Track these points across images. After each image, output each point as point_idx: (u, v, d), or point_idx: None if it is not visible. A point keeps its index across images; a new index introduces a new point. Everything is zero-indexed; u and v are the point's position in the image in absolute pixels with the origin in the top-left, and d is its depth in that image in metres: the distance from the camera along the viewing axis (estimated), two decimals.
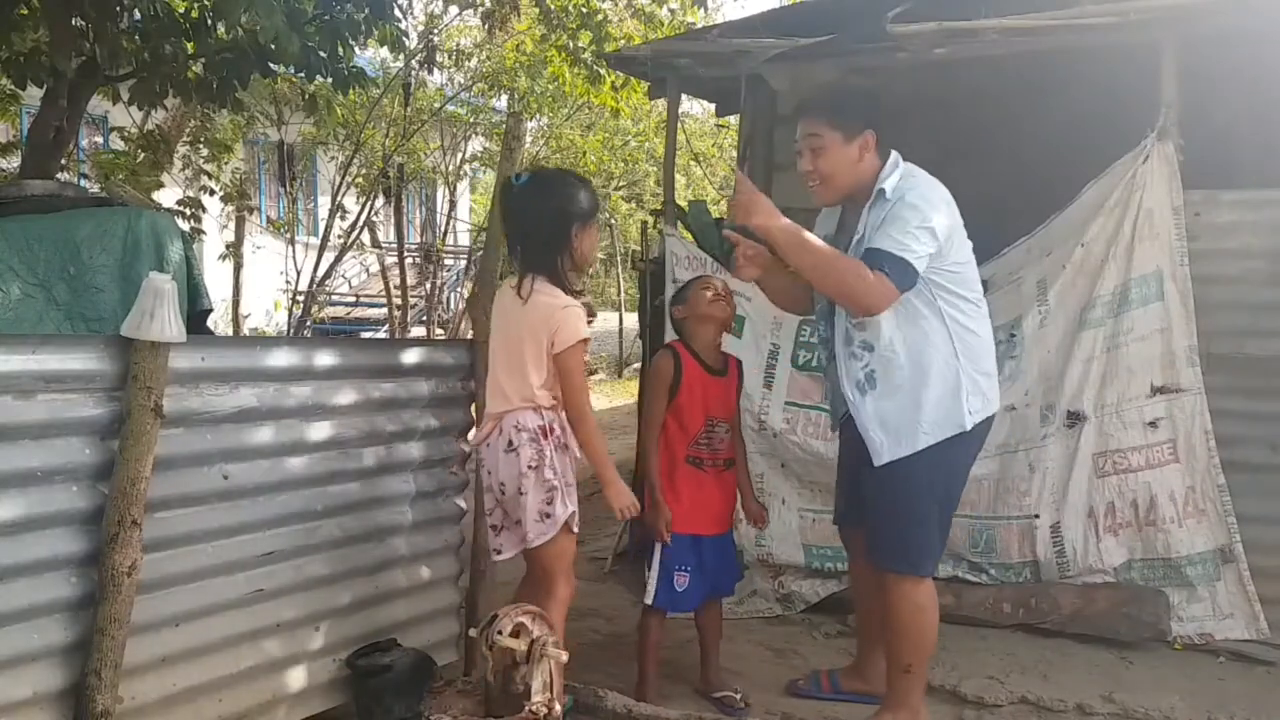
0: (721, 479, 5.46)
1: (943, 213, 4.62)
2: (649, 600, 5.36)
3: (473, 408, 5.31)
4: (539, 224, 4.60)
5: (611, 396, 17.07)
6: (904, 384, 4.66)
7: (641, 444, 5.46)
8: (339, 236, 15.45)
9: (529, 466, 4.50)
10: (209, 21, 7.95)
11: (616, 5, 13.81)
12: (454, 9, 15.01)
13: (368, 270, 21.36)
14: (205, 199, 13.03)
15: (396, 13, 8.77)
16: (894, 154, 4.77)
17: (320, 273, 15.14)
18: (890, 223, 4.56)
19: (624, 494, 4.67)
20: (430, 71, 16.56)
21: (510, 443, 4.53)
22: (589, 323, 4.62)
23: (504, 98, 18.39)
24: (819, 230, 5.03)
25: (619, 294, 23.17)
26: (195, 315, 5.42)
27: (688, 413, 5.36)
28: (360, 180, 16.37)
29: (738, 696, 5.47)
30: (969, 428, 4.66)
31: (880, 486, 4.76)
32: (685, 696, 5.47)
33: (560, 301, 4.50)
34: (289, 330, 15.64)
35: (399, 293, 16.50)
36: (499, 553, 4.73)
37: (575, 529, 4.64)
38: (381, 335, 17.48)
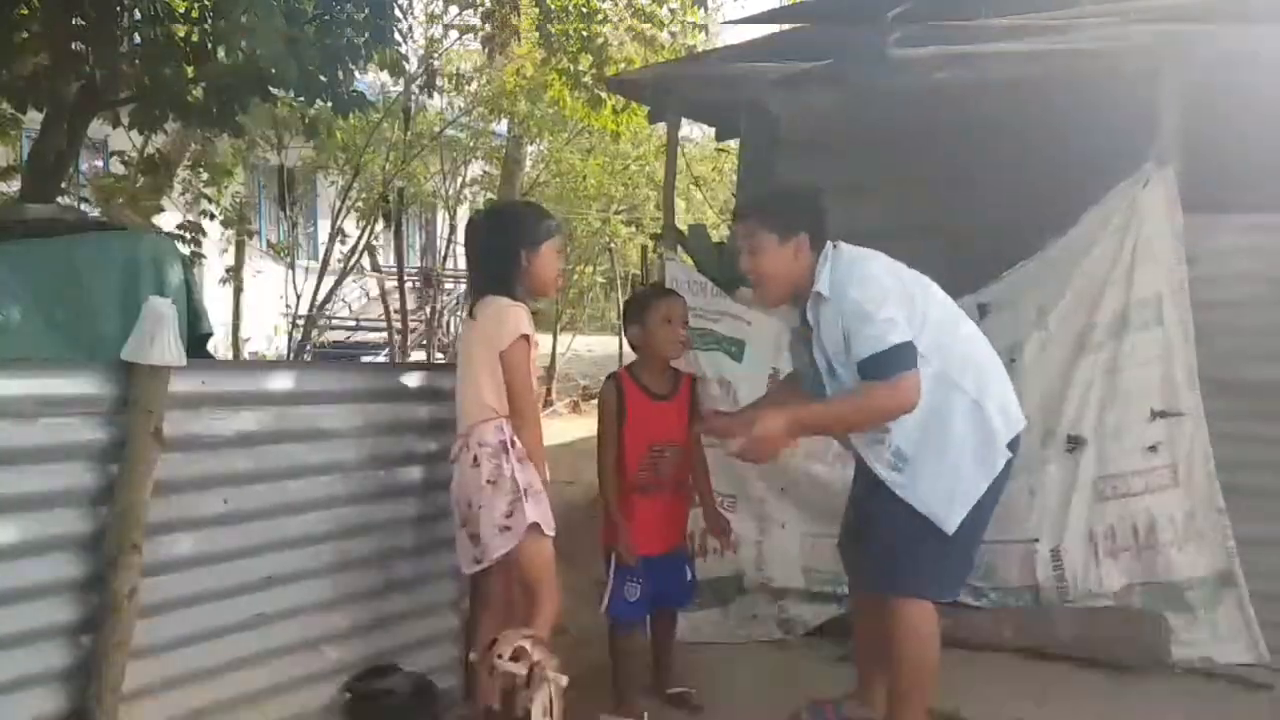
0: (668, 502, 5.62)
1: (886, 281, 4.66)
2: (603, 608, 5.57)
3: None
4: (489, 251, 4.79)
5: None
6: (935, 446, 4.67)
7: (600, 472, 5.55)
8: (339, 260, 15.44)
9: (487, 481, 4.53)
10: (209, 46, 7.96)
11: (617, 29, 13.83)
12: (454, 33, 15.05)
13: (368, 294, 21.35)
14: (205, 223, 13.00)
15: (397, 37, 8.79)
16: (827, 246, 4.81)
17: (320, 297, 15.11)
18: (855, 325, 4.59)
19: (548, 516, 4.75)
20: (430, 96, 16.56)
21: (475, 458, 4.57)
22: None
23: (504, 122, 18.42)
24: (790, 324, 5.23)
25: (619, 317, 23.09)
26: (195, 339, 5.42)
27: (631, 442, 5.50)
28: (360, 204, 16.38)
29: (693, 693, 5.74)
30: (1009, 454, 4.70)
31: (899, 516, 4.72)
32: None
33: (502, 304, 4.62)
34: (289, 354, 15.61)
35: (399, 317, 16.47)
36: (478, 561, 4.70)
37: (549, 532, 4.64)
38: (382, 359, 17.47)
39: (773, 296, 4.99)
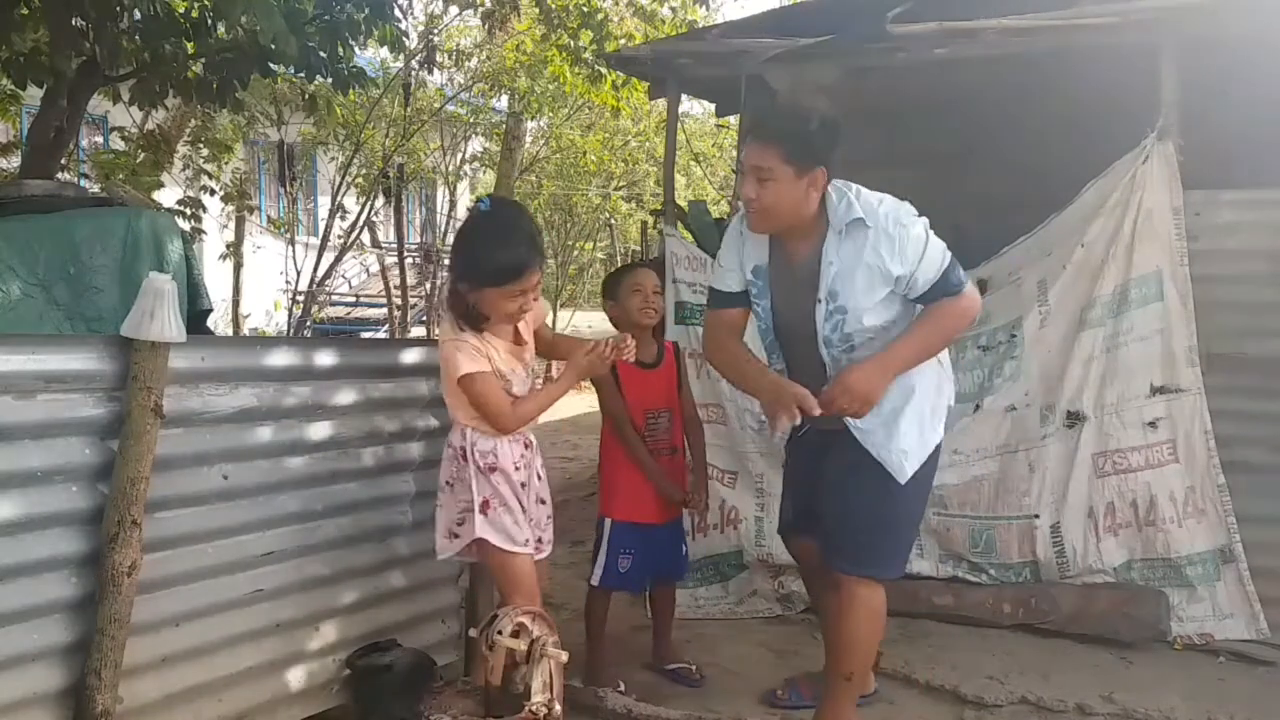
0: (665, 469, 5.64)
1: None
2: (594, 581, 5.63)
3: None
4: (455, 258, 4.61)
5: None
6: (899, 392, 4.61)
7: (625, 440, 5.55)
8: (339, 236, 15.44)
9: (446, 482, 4.54)
10: (209, 21, 7.95)
11: (617, 4, 13.80)
12: (454, 9, 15.01)
13: (368, 270, 21.34)
14: (205, 199, 13.03)
15: (396, 13, 8.77)
16: (834, 183, 4.59)
17: (320, 273, 15.12)
18: (914, 250, 4.46)
19: (586, 364, 4.71)
20: (430, 71, 16.56)
21: (442, 454, 4.61)
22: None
23: (504, 98, 18.39)
24: (749, 259, 4.84)
25: None
26: (195, 315, 5.42)
27: (630, 412, 5.56)
28: (360, 180, 16.37)
29: (693, 668, 5.77)
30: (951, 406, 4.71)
31: (874, 489, 4.66)
32: (684, 697, 5.50)
33: (444, 337, 4.47)
34: (289, 330, 15.62)
35: (399, 293, 16.47)
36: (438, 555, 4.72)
37: (519, 550, 4.50)
38: (381, 335, 17.47)
39: (764, 227, 4.68)
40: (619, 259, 21.76)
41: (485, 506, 4.44)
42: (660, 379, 5.66)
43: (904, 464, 4.61)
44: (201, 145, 13.74)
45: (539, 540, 4.65)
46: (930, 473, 4.74)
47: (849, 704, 4.84)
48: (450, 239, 19.76)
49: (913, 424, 4.62)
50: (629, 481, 5.57)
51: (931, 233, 4.52)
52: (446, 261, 4.62)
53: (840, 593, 4.77)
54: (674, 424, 5.69)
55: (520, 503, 4.53)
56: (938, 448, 4.72)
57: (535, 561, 4.60)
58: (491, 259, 4.34)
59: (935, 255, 4.48)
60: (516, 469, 4.54)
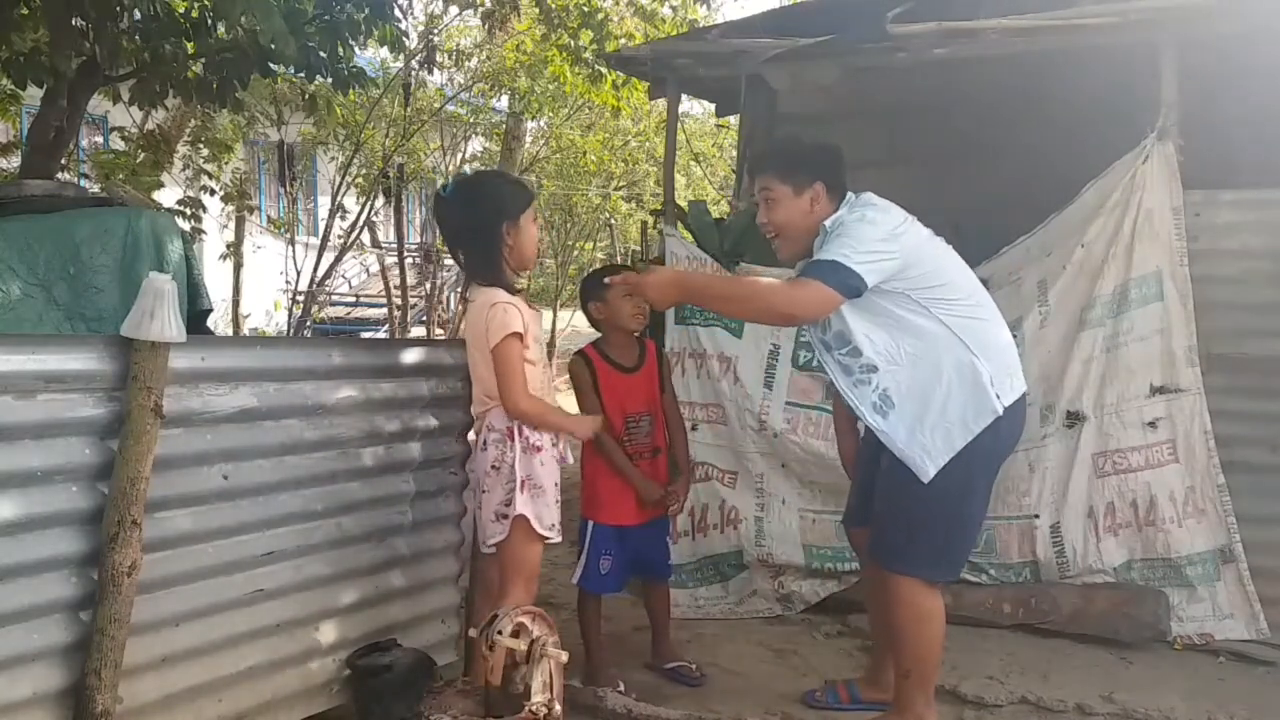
0: (646, 471, 5.64)
1: (888, 227, 4.60)
2: (575, 579, 5.66)
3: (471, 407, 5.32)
4: (470, 230, 4.68)
5: None
6: (920, 392, 4.60)
7: (598, 442, 5.53)
8: (339, 236, 15.42)
9: (492, 466, 4.58)
10: (209, 21, 7.95)
11: (617, 4, 13.79)
12: (454, 9, 15.00)
13: (368, 270, 21.35)
14: (205, 199, 13.02)
15: (396, 13, 8.77)
16: (849, 195, 4.79)
17: (320, 273, 15.10)
18: (831, 240, 4.58)
19: (582, 423, 4.92)
20: (430, 71, 16.54)
21: (484, 442, 4.62)
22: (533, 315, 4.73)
23: (504, 98, 18.38)
24: None
25: None
26: (195, 315, 5.42)
27: (609, 415, 5.52)
28: (360, 180, 16.35)
29: (693, 667, 5.78)
30: (1001, 411, 4.59)
31: (903, 486, 4.67)
32: (684, 697, 5.50)
33: (491, 299, 4.55)
34: (289, 330, 15.61)
35: (399, 293, 16.45)
36: (485, 543, 4.77)
37: (546, 535, 4.63)
38: (381, 335, 17.46)
39: (789, 250, 4.90)
40: (619, 259, 21.72)
41: (524, 485, 4.54)
42: (640, 382, 5.65)
43: (925, 463, 4.59)
44: (201, 145, 13.72)
45: (554, 525, 4.69)
46: (963, 482, 4.66)
47: (914, 701, 4.81)
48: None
49: (937, 428, 4.59)
50: (610, 486, 5.58)
51: (856, 242, 4.50)
52: (468, 229, 4.62)
53: (887, 588, 4.82)
54: (655, 426, 5.68)
55: (553, 485, 4.66)
56: (969, 457, 4.61)
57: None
58: (518, 189, 4.85)
59: (834, 247, 4.52)
60: (554, 444, 4.68)
